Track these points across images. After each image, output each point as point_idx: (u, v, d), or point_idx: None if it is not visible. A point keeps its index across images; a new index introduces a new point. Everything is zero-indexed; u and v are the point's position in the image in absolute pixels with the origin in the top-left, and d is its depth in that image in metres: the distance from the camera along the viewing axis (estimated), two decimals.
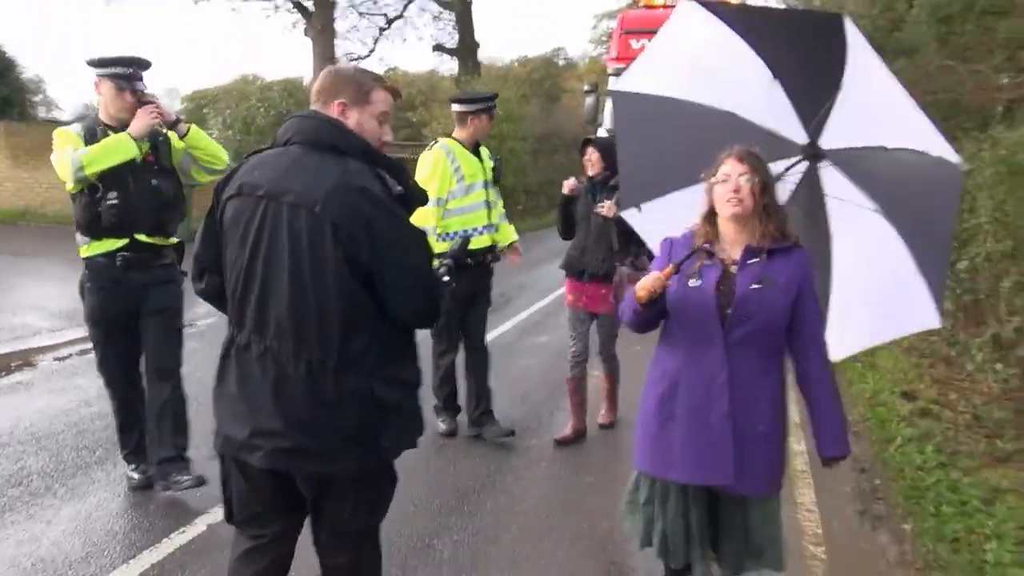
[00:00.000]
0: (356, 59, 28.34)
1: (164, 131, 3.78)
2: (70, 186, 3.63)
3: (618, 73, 11.15)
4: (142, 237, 3.71)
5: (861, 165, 2.76)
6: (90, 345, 4.05)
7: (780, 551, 2.43)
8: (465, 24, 25.86)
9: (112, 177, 3.57)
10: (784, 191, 2.60)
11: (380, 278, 2.18)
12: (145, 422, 3.92)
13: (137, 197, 3.66)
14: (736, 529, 2.40)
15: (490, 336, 5.27)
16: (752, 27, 2.89)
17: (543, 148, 20.38)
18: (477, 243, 4.52)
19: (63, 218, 13.37)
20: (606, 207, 4.39)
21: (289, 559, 2.42)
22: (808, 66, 2.89)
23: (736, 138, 2.48)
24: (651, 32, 10.85)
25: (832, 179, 2.76)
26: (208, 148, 3.81)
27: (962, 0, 8.92)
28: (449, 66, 34.05)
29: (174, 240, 3.86)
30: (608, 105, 11.57)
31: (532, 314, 8.48)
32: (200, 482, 3.75)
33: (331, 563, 2.39)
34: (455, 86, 25.65)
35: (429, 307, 2.31)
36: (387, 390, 2.24)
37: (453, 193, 4.45)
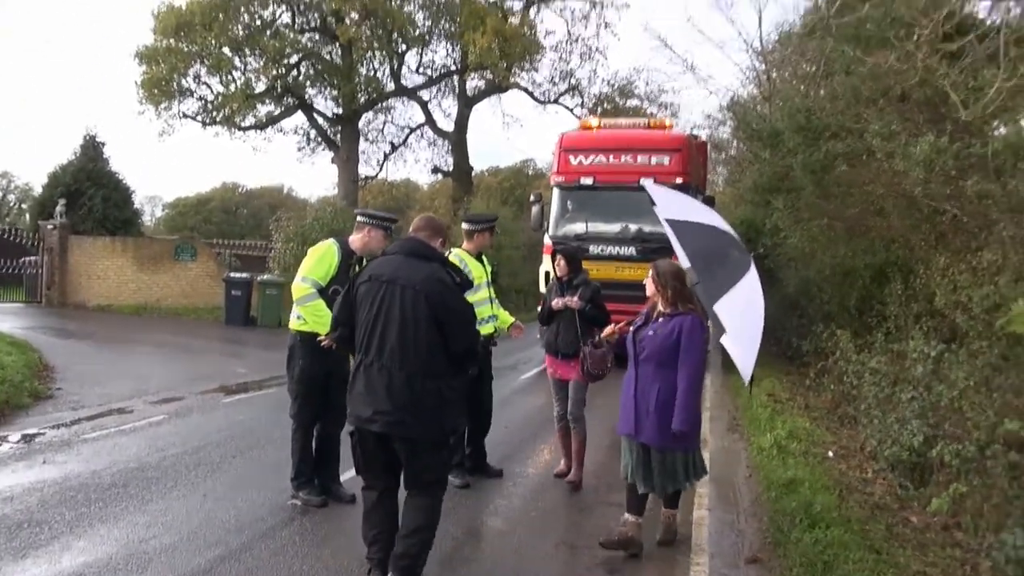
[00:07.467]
0: (367, 179, 32.10)
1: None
2: (296, 299, 4.62)
3: (560, 186, 12.37)
4: None
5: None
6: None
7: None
8: (460, 151, 29.38)
9: (334, 292, 4.51)
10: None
11: (448, 327, 3.34)
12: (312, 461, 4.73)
13: None
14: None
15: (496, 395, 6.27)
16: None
17: (531, 255, 24.11)
18: (483, 331, 5.18)
19: (171, 312, 17.11)
20: (573, 301, 5.41)
21: (396, 504, 3.44)
22: (710, 212, 5.05)
23: (732, 241, 4.64)
24: (587, 151, 13.22)
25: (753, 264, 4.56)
26: None
27: (821, 161, 13.55)
28: (434, 180, 36.91)
29: None
30: (553, 211, 12.41)
31: (527, 377, 11.27)
32: (324, 503, 4.78)
33: (418, 503, 3.38)
34: (449, 202, 28.86)
35: (471, 347, 3.52)
36: (447, 390, 3.39)
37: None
